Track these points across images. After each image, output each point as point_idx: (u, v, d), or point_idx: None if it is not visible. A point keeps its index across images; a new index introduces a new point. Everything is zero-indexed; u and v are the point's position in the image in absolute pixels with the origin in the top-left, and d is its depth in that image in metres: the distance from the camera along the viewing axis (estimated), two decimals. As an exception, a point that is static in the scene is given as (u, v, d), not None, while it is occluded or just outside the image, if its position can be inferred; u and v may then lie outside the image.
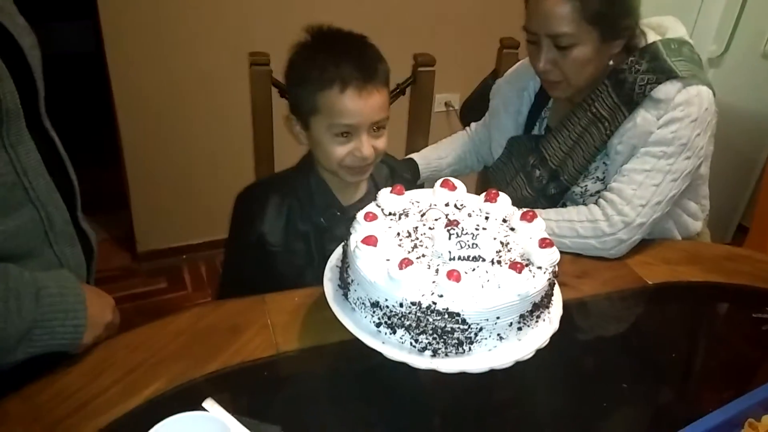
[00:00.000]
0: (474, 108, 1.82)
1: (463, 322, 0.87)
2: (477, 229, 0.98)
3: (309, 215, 1.30)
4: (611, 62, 1.35)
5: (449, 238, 0.95)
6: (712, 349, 1.29)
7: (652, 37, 1.35)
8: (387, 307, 0.91)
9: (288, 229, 1.30)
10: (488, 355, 0.91)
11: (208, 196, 2.37)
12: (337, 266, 1.06)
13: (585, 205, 1.41)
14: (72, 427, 0.91)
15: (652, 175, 1.31)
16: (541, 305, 0.94)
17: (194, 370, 1.02)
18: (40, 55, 1.04)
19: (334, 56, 1.17)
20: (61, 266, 1.04)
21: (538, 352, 0.93)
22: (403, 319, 0.90)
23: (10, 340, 0.89)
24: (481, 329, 0.89)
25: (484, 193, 1.08)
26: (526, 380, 1.04)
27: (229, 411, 0.91)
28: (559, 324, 0.97)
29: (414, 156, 1.71)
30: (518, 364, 0.92)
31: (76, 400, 0.95)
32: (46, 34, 3.90)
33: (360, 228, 0.99)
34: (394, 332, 0.91)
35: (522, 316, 0.92)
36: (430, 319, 0.88)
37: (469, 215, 1.04)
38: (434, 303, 0.87)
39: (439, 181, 1.10)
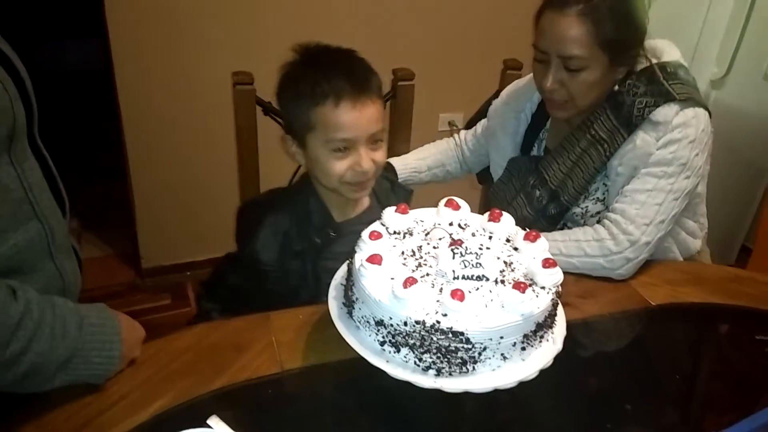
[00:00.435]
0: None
1: (467, 341, 0.88)
2: (481, 249, 0.99)
3: (305, 234, 1.29)
4: (616, 87, 1.37)
5: (453, 258, 0.96)
6: (715, 371, 1.29)
7: (644, 61, 1.38)
8: (391, 325, 0.91)
9: (283, 248, 1.29)
10: (492, 375, 0.91)
11: (213, 213, 2.39)
12: (341, 284, 1.07)
13: (586, 225, 1.42)
14: (78, 442, 0.92)
15: (654, 194, 1.33)
16: (544, 325, 0.95)
17: (199, 386, 1.02)
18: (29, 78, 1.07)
19: (325, 71, 1.16)
20: (62, 278, 1.05)
21: (542, 372, 0.94)
22: (407, 337, 0.90)
23: (51, 367, 0.90)
24: (485, 349, 0.89)
25: (487, 213, 1.09)
26: (529, 400, 1.04)
27: (233, 428, 0.91)
28: (563, 344, 0.98)
29: (391, 159, 1.71)
30: (522, 385, 0.92)
31: (83, 416, 0.96)
32: (55, 52, 3.96)
33: (365, 247, 1.00)
34: (399, 351, 0.92)
35: (526, 336, 0.92)
36: (434, 338, 0.88)
37: (473, 235, 1.05)
38: (438, 322, 0.88)
39: (444, 201, 1.11)
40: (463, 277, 0.95)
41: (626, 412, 1.07)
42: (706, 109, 1.36)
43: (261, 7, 2.32)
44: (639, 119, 1.33)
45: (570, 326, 1.02)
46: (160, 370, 1.05)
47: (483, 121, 1.73)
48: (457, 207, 1.10)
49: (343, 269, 1.10)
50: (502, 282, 0.95)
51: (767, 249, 2.34)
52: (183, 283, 2.72)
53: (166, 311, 2.56)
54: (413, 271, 0.96)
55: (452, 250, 0.98)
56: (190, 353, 1.10)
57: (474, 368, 0.91)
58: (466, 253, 0.97)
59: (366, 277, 0.94)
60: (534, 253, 1.01)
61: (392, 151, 1.78)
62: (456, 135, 1.81)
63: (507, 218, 1.08)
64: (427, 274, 0.96)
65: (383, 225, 1.06)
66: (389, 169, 1.64)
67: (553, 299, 0.95)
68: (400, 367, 0.92)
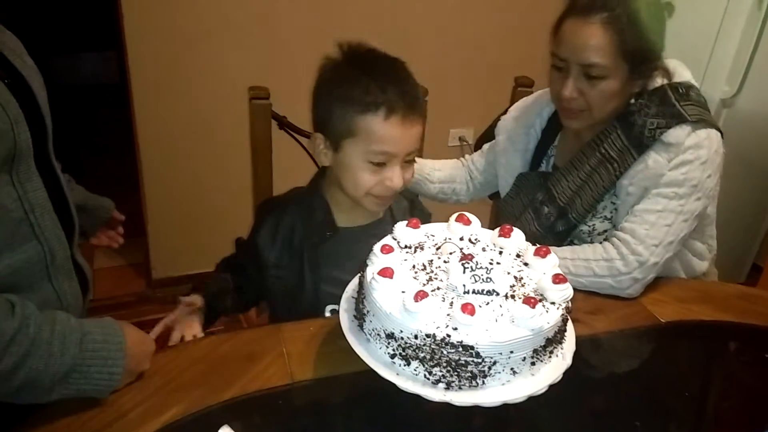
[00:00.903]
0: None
1: (477, 355, 0.89)
2: (491, 264, 1.00)
3: (305, 233, 1.28)
4: (632, 101, 1.37)
5: (464, 272, 0.97)
6: (724, 389, 1.29)
7: (659, 80, 1.37)
8: (402, 338, 0.92)
9: (284, 245, 1.28)
10: (501, 390, 0.92)
11: (224, 226, 2.40)
12: (352, 297, 1.07)
13: (592, 243, 1.42)
14: (90, 451, 0.93)
15: (665, 215, 1.33)
16: (554, 340, 0.95)
17: (210, 397, 1.03)
18: (47, 95, 1.08)
19: (379, 79, 1.12)
20: (60, 300, 1.06)
21: (551, 387, 0.94)
22: (417, 351, 0.91)
23: (48, 381, 0.91)
24: (494, 363, 0.90)
25: (498, 228, 1.10)
26: (538, 416, 1.04)
27: (244, 439, 0.92)
28: (572, 360, 0.98)
29: None
30: (531, 400, 0.92)
31: (94, 425, 0.97)
32: (71, 64, 4.01)
33: (376, 260, 1.01)
34: (409, 364, 0.93)
35: (535, 351, 0.93)
36: (445, 352, 0.89)
37: (484, 249, 1.06)
38: (448, 336, 0.88)
39: (454, 216, 1.12)
40: (474, 292, 0.95)
41: (635, 429, 1.07)
42: (718, 129, 1.36)
43: (277, 22, 2.36)
44: (650, 140, 1.33)
45: (579, 342, 1.02)
46: (171, 380, 1.06)
47: (489, 143, 1.72)
48: (467, 222, 1.11)
49: (354, 282, 1.11)
50: (513, 297, 0.96)
51: (778, 267, 2.33)
52: (193, 294, 2.73)
53: (175, 322, 2.57)
54: (424, 284, 0.97)
55: (463, 264, 0.98)
56: (201, 364, 1.11)
57: (484, 382, 0.91)
58: (476, 267, 0.98)
59: (377, 290, 0.95)
60: (544, 269, 1.02)
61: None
62: (463, 158, 1.80)
63: (517, 233, 1.08)
64: (438, 288, 0.97)
65: (394, 239, 1.07)
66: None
67: (562, 315, 0.95)
68: (410, 380, 0.92)
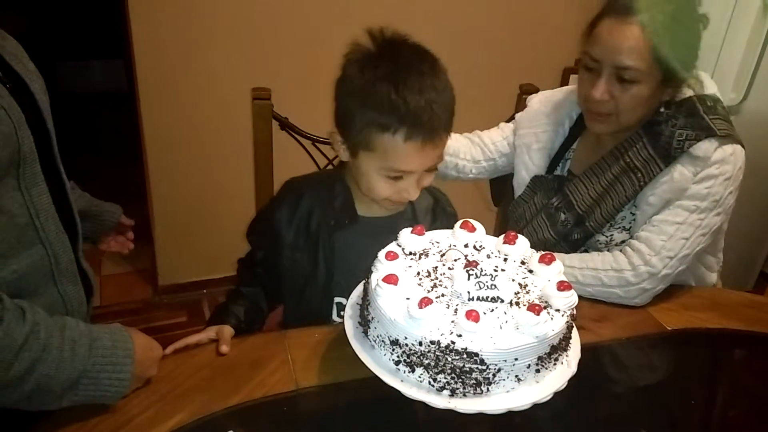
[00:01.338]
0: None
1: (482, 362, 0.88)
2: (496, 271, 1.00)
3: (324, 217, 1.25)
4: (662, 109, 1.34)
5: (468, 279, 0.97)
6: (730, 397, 1.28)
7: (686, 91, 1.35)
8: (406, 345, 0.92)
9: (299, 227, 1.26)
10: (506, 397, 0.92)
11: (229, 232, 2.41)
12: (357, 304, 1.08)
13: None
14: (96, 456, 0.93)
15: (684, 228, 1.31)
16: (559, 348, 0.95)
17: (216, 403, 1.03)
18: (49, 100, 1.08)
19: (406, 90, 1.03)
20: (64, 304, 1.06)
21: (556, 395, 0.94)
22: (422, 357, 0.91)
23: (58, 387, 0.91)
24: (499, 370, 0.90)
25: (502, 235, 1.10)
26: (543, 423, 1.04)
27: (248, 445, 0.92)
28: (578, 367, 0.98)
29: None
30: (536, 407, 0.92)
31: (101, 430, 0.97)
32: (79, 71, 4.02)
33: (381, 267, 1.01)
34: (413, 371, 0.93)
35: (540, 358, 0.92)
36: (449, 359, 0.89)
37: (488, 256, 1.06)
38: (453, 342, 0.88)
39: (459, 223, 1.12)
40: (478, 299, 0.96)
41: (641, 436, 1.07)
42: (743, 145, 1.34)
43: (282, 31, 2.37)
44: (678, 151, 1.30)
45: (585, 349, 1.02)
46: (176, 386, 1.07)
47: (509, 125, 1.65)
48: (472, 229, 1.11)
49: (359, 289, 1.11)
50: (517, 304, 0.96)
51: (786, 275, 2.31)
52: (199, 300, 2.74)
53: (181, 329, 2.57)
54: (428, 291, 0.97)
55: (467, 271, 0.98)
56: (206, 370, 1.11)
57: (488, 389, 0.91)
58: (481, 274, 0.98)
59: (382, 296, 0.95)
60: (549, 276, 1.01)
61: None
62: (470, 135, 1.70)
63: (522, 240, 1.08)
64: (443, 295, 0.97)
65: (399, 246, 1.07)
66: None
67: (567, 322, 0.95)
68: (414, 386, 0.92)
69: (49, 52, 3.78)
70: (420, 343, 0.90)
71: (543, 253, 1.05)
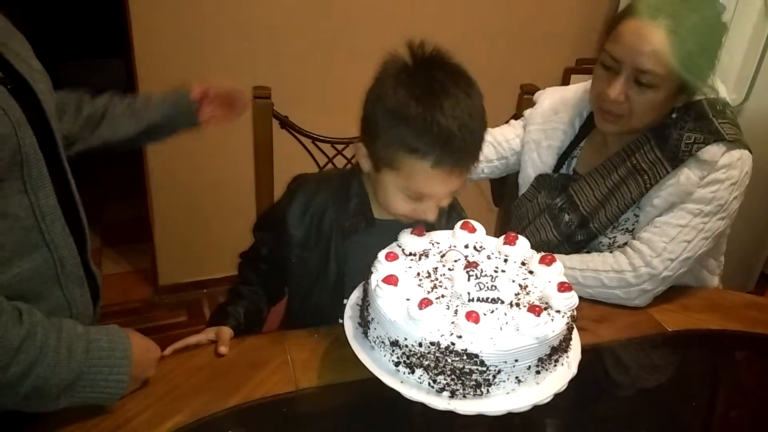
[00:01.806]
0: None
1: (482, 363, 0.88)
2: (496, 272, 1.00)
3: (337, 218, 1.22)
4: (676, 113, 1.33)
5: (468, 280, 0.97)
6: (731, 399, 1.28)
7: (702, 96, 1.34)
8: (406, 346, 0.92)
9: (312, 223, 1.23)
10: (506, 398, 0.91)
11: (230, 232, 2.41)
12: (357, 305, 1.07)
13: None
14: (94, 457, 0.93)
15: (686, 231, 1.31)
16: (559, 349, 0.95)
17: (215, 404, 1.03)
18: (55, 98, 1.07)
19: (440, 116, 0.99)
20: (70, 308, 1.05)
21: (556, 396, 0.93)
22: (421, 358, 0.91)
23: (54, 389, 0.91)
24: (499, 371, 0.89)
25: (503, 236, 1.09)
26: (543, 424, 1.04)
27: (247, 446, 0.92)
28: (578, 369, 0.97)
29: None
30: (536, 408, 0.92)
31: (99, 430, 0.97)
32: (80, 71, 4.00)
33: (381, 267, 1.01)
34: (413, 372, 0.93)
35: (540, 359, 0.92)
36: (449, 360, 0.89)
37: (489, 257, 1.06)
38: (453, 344, 0.88)
39: (459, 223, 1.12)
40: (478, 300, 0.95)
41: (641, 438, 1.07)
42: (750, 150, 1.33)
43: (282, 32, 2.37)
44: (686, 154, 1.29)
45: (585, 351, 1.02)
46: (175, 387, 1.06)
47: (519, 122, 1.63)
48: (473, 230, 1.10)
49: (359, 290, 1.11)
50: (517, 305, 0.95)
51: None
52: (199, 300, 2.74)
53: (181, 328, 2.57)
54: (428, 292, 0.97)
55: (467, 272, 0.98)
56: (205, 371, 1.11)
57: (488, 391, 0.91)
58: (481, 275, 0.98)
59: (381, 297, 0.95)
60: (549, 277, 1.01)
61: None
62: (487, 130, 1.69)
63: (522, 241, 1.08)
64: (443, 296, 0.97)
65: (399, 246, 1.07)
66: None
67: (568, 323, 0.95)
68: (414, 388, 0.92)
69: (51, 52, 3.77)
70: (420, 344, 0.90)
71: (543, 254, 1.05)
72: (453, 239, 1.10)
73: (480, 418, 0.91)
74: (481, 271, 0.99)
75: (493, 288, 0.96)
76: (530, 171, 1.54)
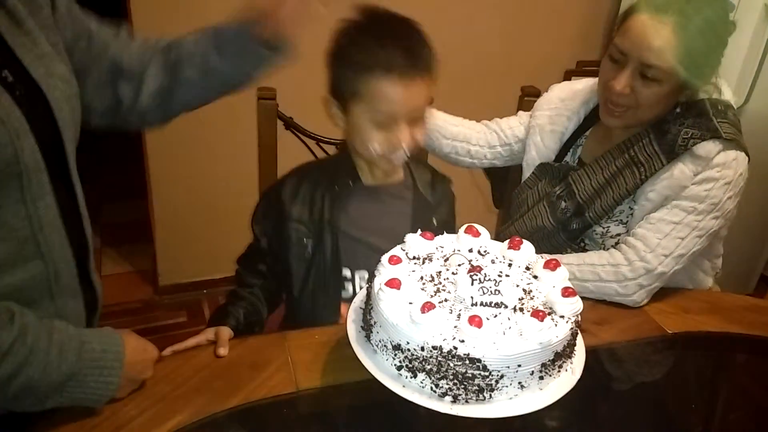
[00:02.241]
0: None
1: (484, 368, 0.88)
2: (500, 276, 1.00)
3: (328, 186, 1.29)
4: (678, 109, 1.35)
5: (472, 284, 0.97)
6: (731, 401, 1.28)
7: (700, 93, 1.36)
8: (408, 350, 0.92)
9: (304, 199, 1.30)
10: (509, 404, 0.91)
11: (230, 233, 2.41)
12: (360, 308, 1.07)
13: (603, 245, 1.42)
14: (95, 458, 0.93)
15: (680, 228, 1.32)
16: (563, 355, 0.95)
17: (215, 404, 1.03)
18: (76, 106, 1.03)
19: (380, 40, 1.15)
20: (58, 318, 1.01)
21: (559, 398, 0.93)
22: (424, 363, 0.91)
23: (43, 390, 0.90)
24: (502, 377, 0.89)
25: (507, 240, 1.09)
26: (545, 426, 1.04)
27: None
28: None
29: None
30: (538, 411, 0.92)
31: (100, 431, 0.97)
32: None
33: (384, 271, 1.01)
34: (415, 376, 0.92)
35: (544, 365, 0.92)
36: (451, 364, 0.89)
37: (492, 262, 1.06)
38: (455, 348, 0.88)
39: (463, 227, 1.11)
40: (482, 304, 0.95)
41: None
42: (747, 153, 1.35)
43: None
44: (681, 149, 1.32)
45: (586, 353, 1.02)
46: (176, 387, 1.06)
47: (526, 113, 1.66)
48: (477, 234, 1.10)
49: (362, 293, 1.11)
50: (521, 310, 0.95)
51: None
52: (199, 301, 2.74)
53: (181, 329, 2.57)
54: (431, 296, 0.97)
55: (471, 276, 0.98)
56: (206, 371, 1.10)
57: (491, 396, 0.91)
58: (484, 279, 0.98)
59: (384, 300, 0.94)
60: (553, 282, 1.01)
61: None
62: (488, 121, 1.71)
63: (527, 246, 1.08)
64: (446, 300, 0.96)
65: (403, 250, 1.07)
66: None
67: (572, 329, 0.95)
68: (416, 392, 0.92)
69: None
70: (422, 348, 0.90)
71: (548, 259, 1.04)
72: (457, 243, 1.10)
73: (481, 420, 0.91)
74: (485, 276, 0.99)
75: (497, 292, 0.96)
76: (533, 153, 1.58)
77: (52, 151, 0.96)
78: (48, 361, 0.89)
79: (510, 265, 1.06)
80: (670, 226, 1.33)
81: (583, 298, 1.25)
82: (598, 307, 1.34)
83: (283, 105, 1.67)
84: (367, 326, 1.01)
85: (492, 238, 1.12)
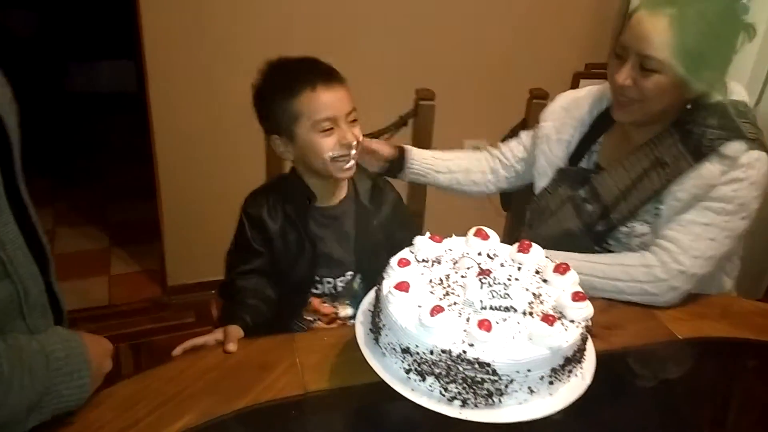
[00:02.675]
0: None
1: (494, 372, 0.88)
2: (509, 280, 0.99)
3: (282, 209, 1.39)
4: (689, 106, 1.37)
5: (481, 288, 0.96)
6: (742, 407, 1.27)
7: (717, 96, 1.36)
8: (417, 353, 0.91)
9: (281, 217, 1.39)
10: (518, 409, 0.91)
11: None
12: (369, 310, 1.07)
13: (628, 245, 1.42)
14: (103, 459, 0.93)
15: (710, 229, 1.33)
16: (573, 360, 0.94)
17: (223, 406, 1.03)
18: (17, 108, 1.01)
19: (298, 68, 1.33)
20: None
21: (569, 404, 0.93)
22: (433, 366, 0.90)
23: (23, 413, 0.89)
24: (511, 381, 0.89)
25: (516, 244, 1.09)
26: (554, 430, 1.03)
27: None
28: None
29: (410, 147, 1.69)
30: (547, 417, 0.91)
31: (107, 432, 0.97)
32: (89, 72, 3.99)
33: (393, 273, 1.01)
34: (424, 380, 0.92)
35: (554, 369, 0.91)
36: (460, 368, 0.88)
37: (502, 265, 1.05)
38: (464, 352, 0.88)
39: (473, 230, 1.11)
40: (491, 308, 0.95)
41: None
42: None
43: (290, 30, 2.37)
44: (708, 149, 1.32)
45: (596, 357, 1.01)
46: (184, 388, 1.06)
47: (528, 133, 1.69)
48: (486, 237, 1.10)
49: (371, 295, 1.11)
50: (531, 314, 0.95)
51: (797, 284, 2.29)
52: (208, 301, 2.73)
53: (190, 329, 2.56)
54: (440, 299, 0.97)
55: (480, 279, 0.98)
56: (214, 372, 1.11)
57: (500, 401, 0.90)
58: (494, 283, 0.97)
59: (393, 303, 0.94)
60: (563, 286, 1.00)
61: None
62: (490, 147, 1.75)
63: (536, 249, 1.07)
64: (455, 303, 0.96)
65: (412, 252, 1.06)
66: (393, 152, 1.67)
67: (582, 333, 0.94)
68: (425, 396, 0.92)
69: (61, 53, 3.79)
70: (431, 352, 0.90)
71: (558, 262, 1.04)
72: (466, 246, 1.10)
73: (490, 425, 0.90)
74: (495, 279, 0.98)
75: (506, 296, 0.95)
76: (542, 161, 1.60)
77: (4, 172, 0.94)
78: (23, 386, 0.88)
79: (519, 268, 1.05)
80: (700, 228, 1.33)
81: (603, 299, 1.28)
82: (609, 312, 1.33)
83: None
84: (375, 329, 1.01)
85: (501, 242, 1.12)
